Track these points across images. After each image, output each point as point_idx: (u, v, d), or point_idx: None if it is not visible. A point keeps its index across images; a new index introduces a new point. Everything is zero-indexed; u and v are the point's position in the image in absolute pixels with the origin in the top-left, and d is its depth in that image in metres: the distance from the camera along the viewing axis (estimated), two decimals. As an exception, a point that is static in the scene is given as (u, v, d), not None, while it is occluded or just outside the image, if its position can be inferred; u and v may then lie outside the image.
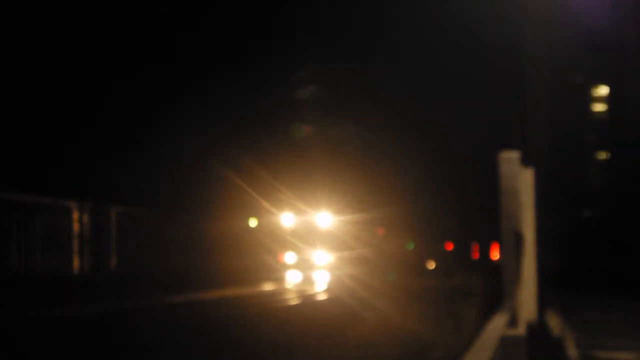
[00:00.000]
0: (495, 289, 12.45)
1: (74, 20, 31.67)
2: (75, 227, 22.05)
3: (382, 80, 52.10)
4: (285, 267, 32.46)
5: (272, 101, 43.25)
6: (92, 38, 32.01)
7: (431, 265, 56.50)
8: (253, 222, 31.89)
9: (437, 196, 56.24)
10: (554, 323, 13.56)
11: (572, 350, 11.02)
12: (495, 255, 54.31)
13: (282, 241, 32.57)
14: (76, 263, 22.32)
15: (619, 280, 32.10)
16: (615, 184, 40.24)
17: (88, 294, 19.61)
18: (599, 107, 41.43)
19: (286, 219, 33.11)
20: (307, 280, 30.90)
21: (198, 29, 37.51)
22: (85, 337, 13.18)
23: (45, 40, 30.26)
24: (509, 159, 8.95)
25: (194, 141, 34.20)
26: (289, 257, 32.72)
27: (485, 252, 62.25)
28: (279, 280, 30.53)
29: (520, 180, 9.49)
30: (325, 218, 33.76)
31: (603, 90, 41.30)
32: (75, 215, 22.12)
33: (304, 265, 32.80)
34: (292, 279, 31.02)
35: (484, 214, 42.13)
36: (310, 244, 33.00)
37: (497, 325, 7.33)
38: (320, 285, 29.51)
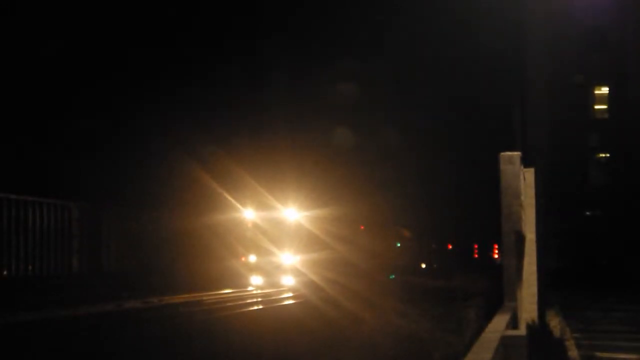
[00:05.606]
0: (495, 288, 12.42)
1: (58, 18, 31.74)
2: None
3: (378, 78, 52.09)
4: (251, 269, 29.39)
5: (245, 97, 42.99)
6: (72, 39, 32.08)
7: (422, 265, 55.74)
8: (219, 221, 29.60)
9: (437, 196, 56.15)
10: (555, 323, 13.54)
11: (572, 351, 10.99)
12: (496, 254, 54.29)
13: (250, 241, 29.52)
14: (75, 263, 22.33)
15: (619, 279, 32.08)
16: (616, 184, 40.21)
17: (61, 296, 19.04)
18: (600, 107, 41.42)
19: (254, 217, 29.93)
20: (274, 284, 28.67)
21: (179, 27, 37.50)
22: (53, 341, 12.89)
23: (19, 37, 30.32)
24: (510, 158, 8.94)
25: (164, 138, 33.56)
26: (255, 258, 29.45)
27: (485, 252, 62.25)
28: (244, 283, 28.44)
29: (521, 180, 9.47)
30: (298, 215, 30.36)
31: (604, 90, 41.28)
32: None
33: (271, 267, 29.40)
34: (257, 282, 28.73)
35: (485, 213, 41.97)
36: (280, 243, 29.64)
37: (497, 325, 7.31)
38: (288, 288, 27.89)
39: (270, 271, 29.15)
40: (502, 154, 9.05)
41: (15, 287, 19.07)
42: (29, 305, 16.82)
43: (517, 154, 9.14)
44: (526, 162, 10.35)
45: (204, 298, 21.80)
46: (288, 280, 28.83)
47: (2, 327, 13.52)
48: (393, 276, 41.08)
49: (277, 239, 29.53)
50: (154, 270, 25.59)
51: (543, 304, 12.11)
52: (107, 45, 33.84)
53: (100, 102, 33.12)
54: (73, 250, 22.22)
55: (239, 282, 28.37)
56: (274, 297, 24.91)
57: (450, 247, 64.39)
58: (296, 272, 29.34)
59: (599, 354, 10.89)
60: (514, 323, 8.43)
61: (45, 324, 14.28)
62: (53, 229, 21.27)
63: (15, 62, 30.07)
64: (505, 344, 6.60)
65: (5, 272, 19.62)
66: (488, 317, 9.04)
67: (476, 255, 65.08)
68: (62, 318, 15.26)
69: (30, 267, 20.45)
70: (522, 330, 8.72)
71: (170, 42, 37.79)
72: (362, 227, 40.90)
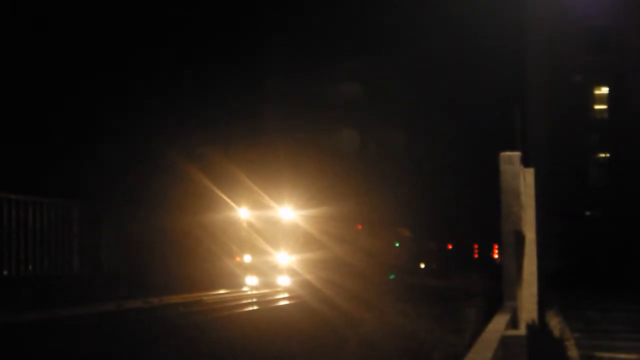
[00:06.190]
0: (495, 288, 12.42)
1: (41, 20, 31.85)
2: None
3: (377, 78, 52.09)
4: (246, 269, 28.80)
5: (241, 96, 42.90)
6: (71, 38, 32.13)
7: (421, 265, 55.66)
8: (214, 220, 29.12)
9: (437, 195, 56.15)
10: (555, 323, 13.54)
11: (572, 351, 11.00)
12: (496, 254, 54.29)
13: (245, 241, 28.96)
14: (75, 263, 22.34)
15: (619, 280, 32.08)
16: (616, 183, 40.22)
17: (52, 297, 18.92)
18: (600, 107, 41.43)
19: (249, 217, 29.30)
20: (269, 284, 28.13)
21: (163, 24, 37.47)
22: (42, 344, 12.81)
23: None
24: (510, 158, 8.95)
25: (163, 138, 33.41)
26: (250, 258, 28.86)
27: (485, 252, 62.26)
28: (239, 283, 28.03)
29: (521, 180, 9.48)
30: (294, 214, 29.58)
31: (604, 90, 41.29)
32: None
33: (266, 267, 28.78)
34: (252, 282, 28.20)
35: (485, 213, 41.95)
36: (276, 243, 29.02)
37: (497, 325, 7.32)
38: (283, 288, 27.50)
39: (265, 271, 28.69)
40: (502, 154, 9.06)
41: (15, 287, 19.06)
42: (29, 305, 16.82)
43: (517, 154, 9.15)
44: (526, 162, 10.36)
45: (202, 299, 21.72)
46: (284, 281, 28.47)
47: (2, 327, 13.53)
48: (393, 276, 41.02)
49: (272, 238, 29.07)
50: (153, 270, 25.56)
51: (543, 304, 12.12)
52: (106, 44, 33.89)
53: (99, 101, 33.16)
54: (73, 250, 22.23)
55: (233, 282, 28.03)
56: (269, 298, 24.69)
57: (450, 247, 64.42)
58: (292, 272, 28.93)
59: (598, 354, 10.89)
60: (513, 323, 8.44)
61: (45, 324, 14.29)
62: (53, 229, 21.28)
63: (15, 61, 30.12)
64: (505, 343, 6.61)
65: (5, 272, 19.64)
66: (488, 317, 9.04)
67: (476, 255, 65.10)
68: (62, 318, 15.26)
69: (30, 267, 20.47)
70: (521, 330, 8.73)
71: (169, 42, 37.82)
72: (360, 227, 40.56)
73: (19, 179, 25.22)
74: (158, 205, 28.90)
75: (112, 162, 32.31)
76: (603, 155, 42.06)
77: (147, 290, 21.47)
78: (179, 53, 38.18)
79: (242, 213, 29.23)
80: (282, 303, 23.37)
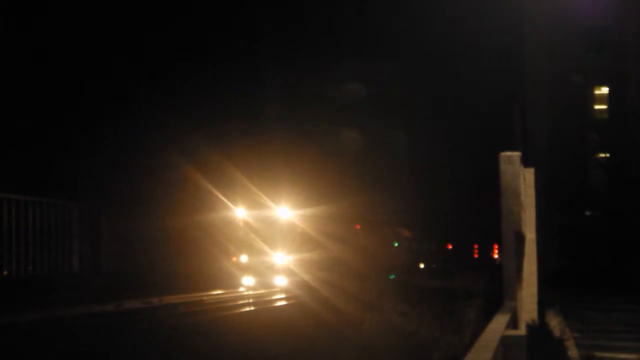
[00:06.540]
0: (495, 288, 12.40)
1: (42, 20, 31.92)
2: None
3: (376, 78, 52.06)
4: (243, 269, 28.50)
5: (239, 96, 42.92)
6: (70, 39, 32.22)
7: (421, 265, 55.55)
8: (211, 220, 29.04)
9: (437, 195, 56.15)
10: (555, 323, 13.53)
11: (572, 351, 10.99)
12: (496, 254, 54.27)
13: (241, 241, 28.70)
14: (75, 263, 22.33)
15: (619, 279, 32.09)
16: (616, 183, 40.23)
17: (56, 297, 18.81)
18: (600, 107, 41.43)
19: (246, 216, 28.98)
20: (266, 284, 27.87)
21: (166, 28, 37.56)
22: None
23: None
24: (510, 158, 8.94)
25: (162, 138, 33.41)
26: (247, 258, 28.54)
27: (485, 252, 62.23)
28: (235, 284, 27.81)
29: (521, 180, 9.47)
30: (292, 214, 29.17)
31: (604, 90, 41.29)
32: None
33: (263, 267, 28.44)
34: (248, 283, 27.99)
35: (485, 213, 41.92)
36: (273, 243, 28.71)
37: (497, 325, 7.31)
38: (280, 289, 27.30)
39: (262, 271, 28.51)
40: (502, 154, 9.05)
41: (15, 287, 19.05)
42: (29, 305, 16.80)
43: (517, 154, 9.13)
44: (526, 162, 10.35)
45: (202, 299, 21.65)
46: (280, 281, 28.26)
47: (2, 327, 13.52)
48: (393, 276, 40.97)
49: (269, 238, 28.86)
50: (153, 270, 25.53)
51: (543, 304, 12.11)
52: (104, 45, 33.91)
53: (99, 102, 33.19)
54: (73, 250, 22.24)
55: (230, 282, 27.83)
56: (266, 298, 24.51)
57: (450, 247, 64.36)
58: (289, 272, 28.66)
59: (598, 354, 10.89)
60: (514, 323, 8.43)
61: (45, 324, 14.28)
62: (53, 229, 21.28)
63: (14, 61, 30.14)
64: (505, 343, 6.60)
65: (5, 272, 19.64)
66: (488, 317, 9.03)
67: (476, 255, 65.03)
68: (62, 318, 15.25)
69: (30, 267, 20.47)
70: (522, 330, 8.72)
71: (168, 41, 37.85)
72: (358, 227, 40.35)
73: (19, 179, 25.23)
74: (157, 205, 28.86)
75: (111, 162, 32.32)
76: (603, 155, 42.07)
77: (147, 290, 21.42)
78: (178, 53, 38.22)
79: (240, 213, 29.06)
80: (279, 304, 23.29)
